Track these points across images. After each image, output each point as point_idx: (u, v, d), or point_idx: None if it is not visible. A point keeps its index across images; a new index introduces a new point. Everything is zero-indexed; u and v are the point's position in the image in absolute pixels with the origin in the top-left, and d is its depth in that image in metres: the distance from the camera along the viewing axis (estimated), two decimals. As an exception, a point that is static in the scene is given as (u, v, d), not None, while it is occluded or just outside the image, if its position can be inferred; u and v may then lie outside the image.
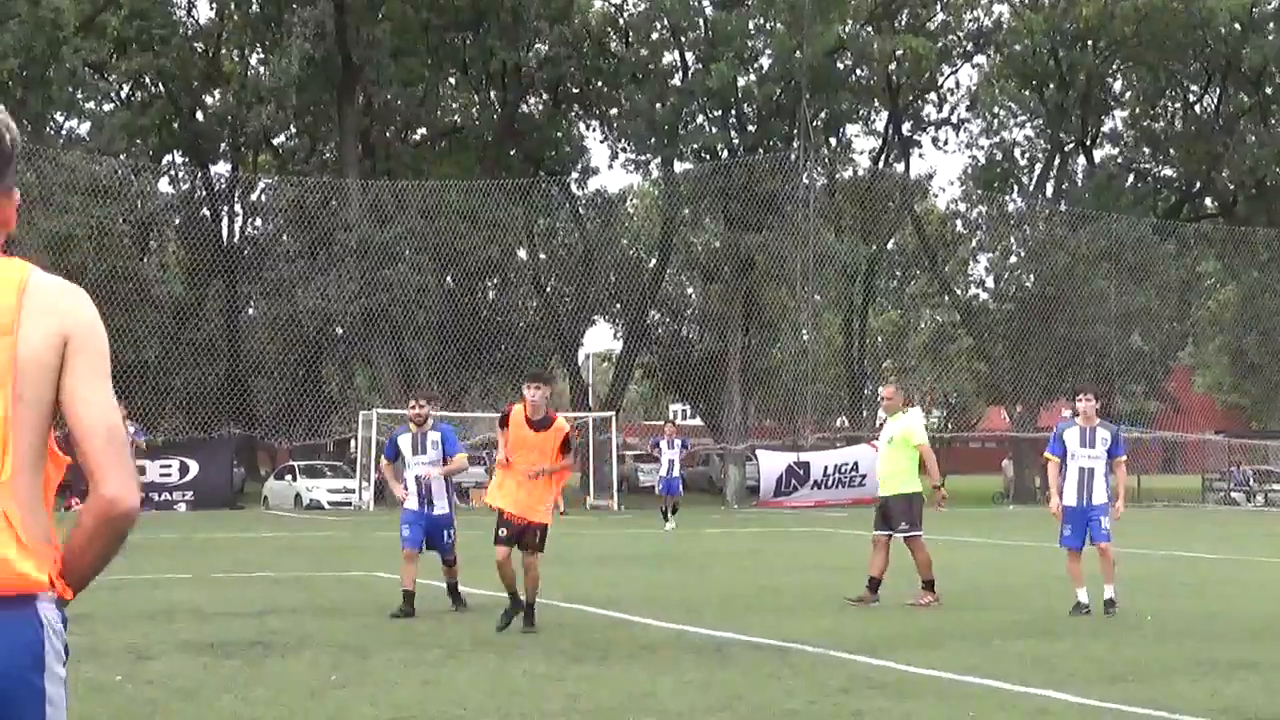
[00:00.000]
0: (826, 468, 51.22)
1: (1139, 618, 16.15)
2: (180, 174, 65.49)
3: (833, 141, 64.60)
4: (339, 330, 57.30)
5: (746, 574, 22.36)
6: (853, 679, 11.76)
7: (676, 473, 38.43)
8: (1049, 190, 68.38)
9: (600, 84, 63.79)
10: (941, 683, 11.68)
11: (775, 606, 17.28)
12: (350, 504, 49.79)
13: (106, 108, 64.20)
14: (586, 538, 32.99)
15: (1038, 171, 69.56)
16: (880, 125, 68.76)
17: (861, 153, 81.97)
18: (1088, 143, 69.45)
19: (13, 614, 3.40)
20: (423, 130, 67.82)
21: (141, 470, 49.04)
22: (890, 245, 72.14)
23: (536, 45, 61.07)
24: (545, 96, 65.93)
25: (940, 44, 63.47)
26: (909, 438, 17.80)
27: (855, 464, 51.18)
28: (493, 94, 65.15)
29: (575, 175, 65.19)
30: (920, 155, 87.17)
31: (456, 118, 68.31)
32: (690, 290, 72.87)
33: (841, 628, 15.14)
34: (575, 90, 64.59)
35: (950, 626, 15.44)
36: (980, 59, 69.30)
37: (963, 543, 30.17)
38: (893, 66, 63.25)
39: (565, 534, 34.61)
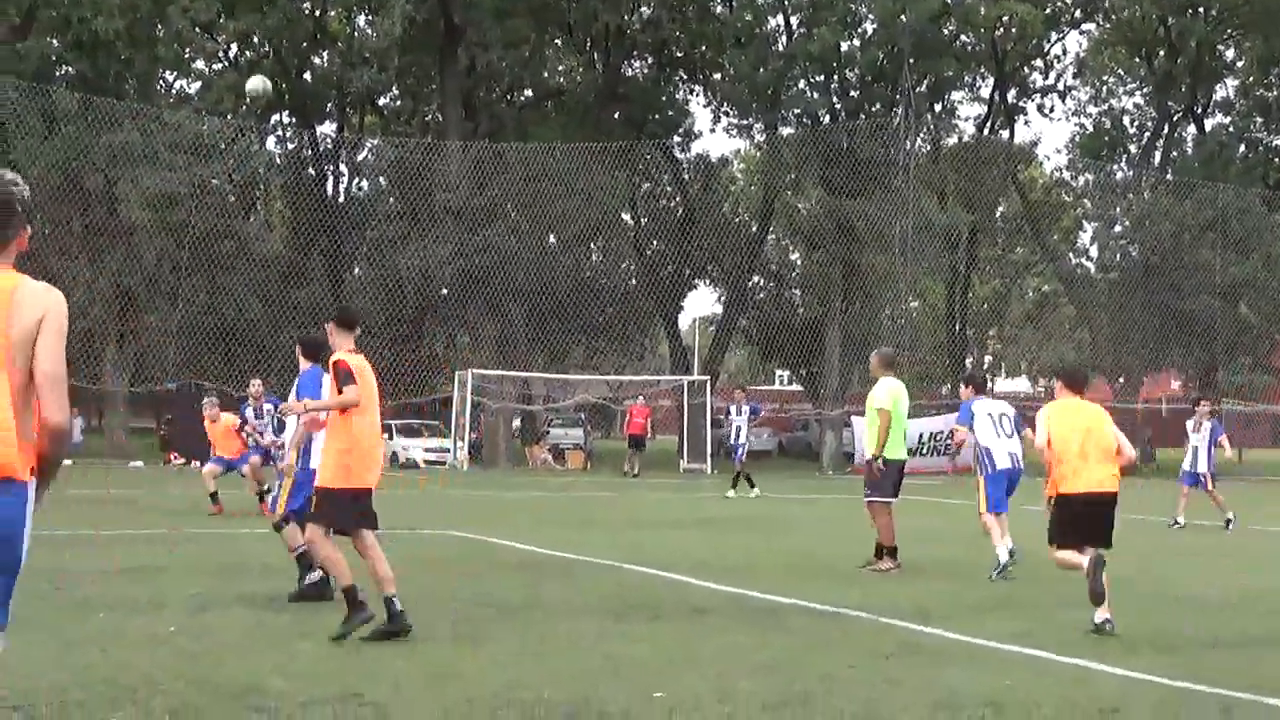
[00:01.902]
0: (922, 435, 50.85)
1: (1203, 591, 16.02)
2: (287, 134, 66.04)
3: (936, 108, 64.00)
4: (444, 291, 57.51)
5: (821, 540, 22.31)
6: (900, 645, 11.72)
7: (743, 439, 36.37)
8: (1156, 159, 67.48)
9: (704, 47, 63.57)
10: (984, 650, 11.62)
11: (841, 573, 17.18)
12: (445, 463, 50.16)
13: (216, 68, 64.82)
14: (671, 502, 33.09)
15: (1145, 140, 68.66)
16: (985, 92, 68.04)
17: (966, 119, 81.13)
18: (1198, 111, 68.42)
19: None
20: (527, 92, 67.96)
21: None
22: (998, 212, 71.58)
23: (640, 8, 60.95)
24: (648, 59, 65.82)
25: (1048, 10, 62.61)
26: (871, 402, 18.19)
27: (951, 432, 50.77)
28: (596, 56, 65.16)
29: (677, 139, 65.09)
30: (1026, 122, 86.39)
31: (560, 80, 68.39)
32: (794, 255, 72.65)
33: (900, 594, 15.06)
34: (678, 54, 64.41)
35: (1007, 595, 15.35)
36: (1088, 26, 68.55)
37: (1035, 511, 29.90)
38: (999, 32, 62.50)
39: (650, 499, 34.79)
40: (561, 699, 9.14)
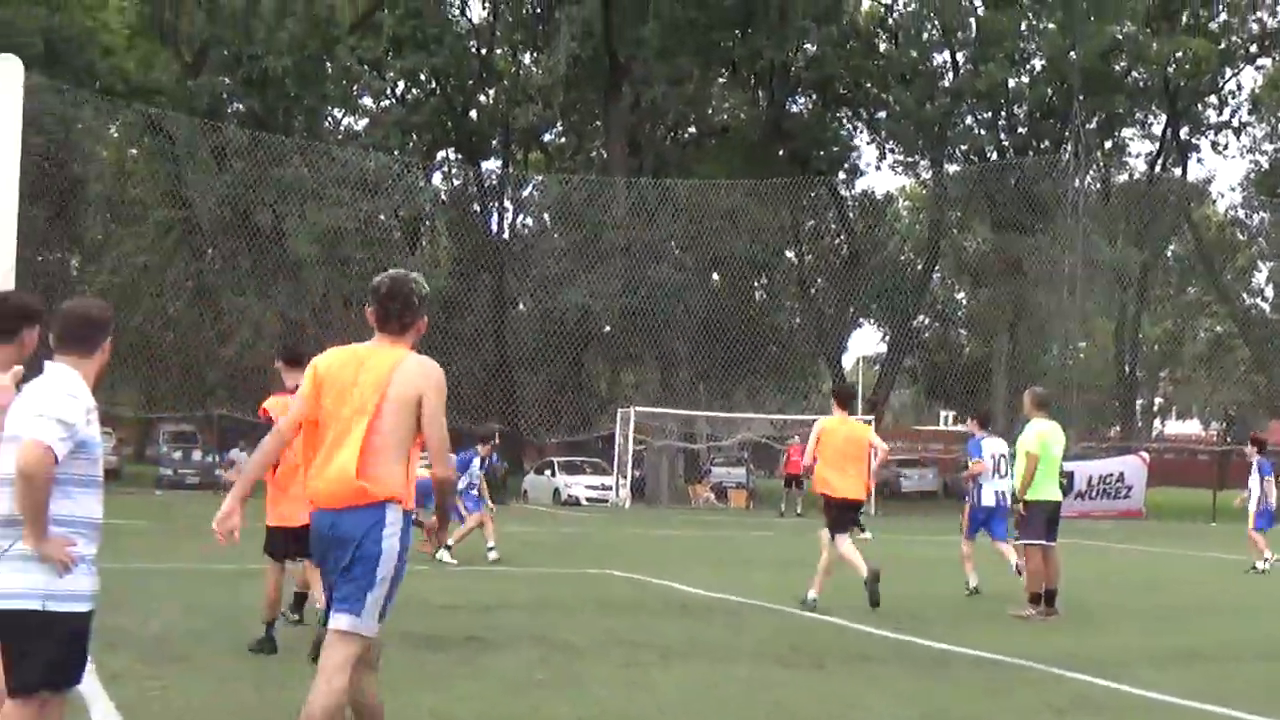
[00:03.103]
0: (1091, 478, 49.95)
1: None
2: (452, 170, 66.56)
3: (1106, 145, 63.00)
4: (607, 328, 57.51)
5: (986, 585, 21.77)
6: (1074, 699, 11.24)
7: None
8: (1336, 197, 65.85)
9: (869, 84, 63.12)
10: (1163, 707, 11.11)
11: (1009, 620, 16.72)
12: (607, 500, 50.02)
13: (384, 104, 65.56)
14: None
15: (1324, 178, 67.05)
16: (1156, 129, 66.84)
17: (1137, 156, 79.80)
18: (1379, 148, 66.81)
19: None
20: (691, 129, 67.95)
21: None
22: (1170, 251, 70.33)
23: (804, 45, 60.66)
24: (813, 96, 65.52)
25: (1222, 45, 61.42)
26: (1020, 445, 17.79)
27: (1121, 474, 49.89)
28: (760, 93, 64.97)
29: (842, 176, 64.69)
30: (1199, 160, 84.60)
31: (724, 116, 68.31)
32: (960, 294, 71.88)
33: (1078, 644, 14.56)
34: (843, 90, 64.01)
35: (1189, 647, 14.77)
36: (1264, 61, 67.06)
37: (1228, 560, 29.14)
38: (1171, 68, 61.38)
39: (811, 539, 34.34)
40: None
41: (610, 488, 50.99)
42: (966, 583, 19.52)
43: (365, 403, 7.20)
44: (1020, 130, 60.43)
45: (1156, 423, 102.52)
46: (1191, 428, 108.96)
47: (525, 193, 66.24)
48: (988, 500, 19.61)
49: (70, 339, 6.65)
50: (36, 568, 6.22)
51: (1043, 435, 17.61)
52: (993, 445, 19.90)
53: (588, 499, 50.34)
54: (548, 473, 53.48)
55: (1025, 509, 17.63)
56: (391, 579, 7.23)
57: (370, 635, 7.26)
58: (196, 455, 52.36)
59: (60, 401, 6.30)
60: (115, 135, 59.68)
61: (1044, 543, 17.46)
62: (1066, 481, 48.67)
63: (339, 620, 7.18)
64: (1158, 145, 67.41)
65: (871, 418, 55.11)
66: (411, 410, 7.22)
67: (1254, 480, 26.73)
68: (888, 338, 67.76)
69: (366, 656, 7.40)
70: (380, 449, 7.16)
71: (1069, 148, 55.86)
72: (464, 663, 12.07)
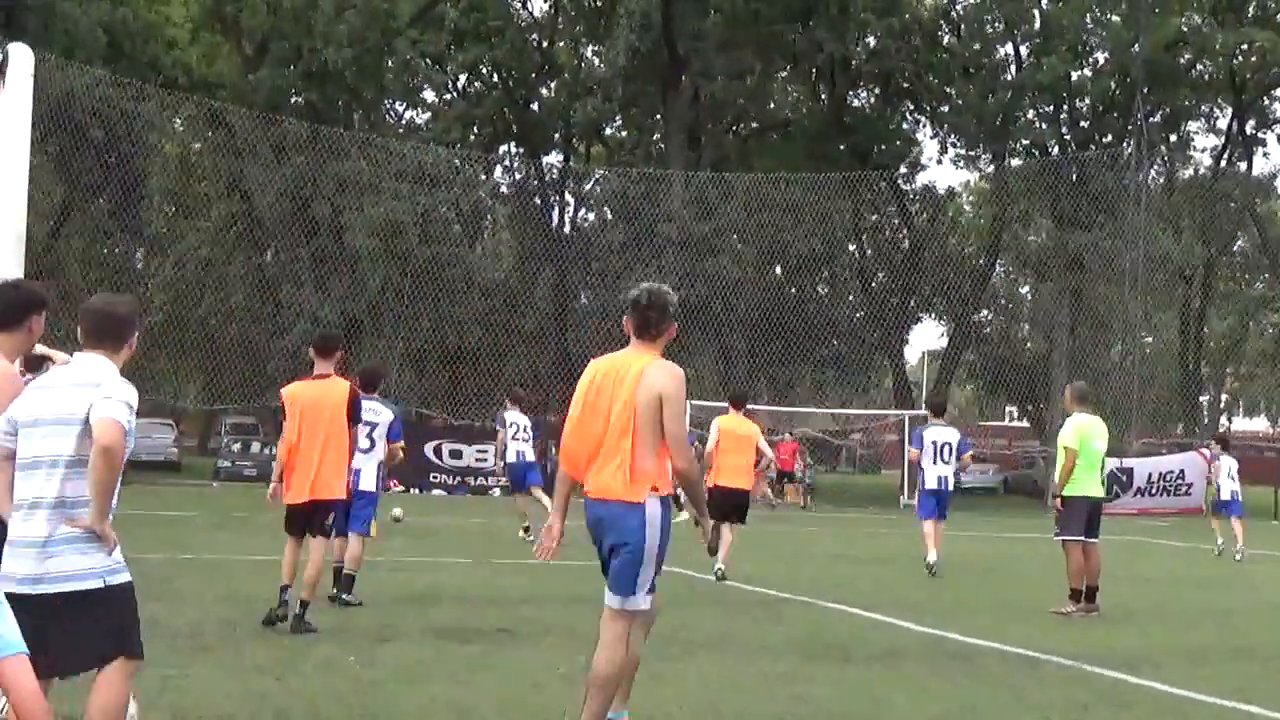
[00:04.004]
0: (1151, 475, 49.65)
1: None
2: (515, 163, 66.58)
3: (1171, 138, 62.41)
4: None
5: (1036, 582, 21.63)
6: (1102, 696, 11.16)
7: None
8: (1404, 192, 65.09)
9: (931, 77, 62.73)
10: (1196, 706, 10.98)
11: (1046, 616, 16.60)
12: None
13: (446, 98, 65.65)
14: (886, 537, 32.55)
15: (1392, 172, 66.25)
16: (1222, 123, 66.10)
17: (1202, 150, 79.04)
18: None
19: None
20: (752, 123, 67.76)
21: (457, 454, 50.25)
22: (1237, 247, 69.70)
23: (866, 38, 60.36)
24: (874, 89, 65.23)
25: (1290, 37, 60.62)
26: (1059, 440, 17.84)
27: (1182, 472, 49.53)
28: (821, 87, 64.73)
29: (904, 170, 64.36)
30: (1265, 154, 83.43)
31: (786, 110, 68.11)
32: (1024, 289, 71.44)
33: (1111, 640, 14.47)
34: (905, 84, 63.64)
35: (1231, 646, 14.61)
36: (1334, 53, 66.21)
37: (1268, 556, 28.95)
38: (1237, 60, 60.71)
39: (863, 533, 34.27)
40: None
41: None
42: (924, 559, 21.33)
43: (625, 404, 8.25)
44: (1083, 124, 59.92)
45: (1223, 420, 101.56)
46: (1259, 425, 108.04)
47: (587, 187, 66.16)
48: (930, 484, 21.82)
49: (100, 334, 6.90)
50: (93, 548, 6.50)
51: (1081, 430, 17.46)
52: (935, 433, 21.96)
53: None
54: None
55: (1063, 504, 17.48)
56: (656, 558, 8.34)
57: (644, 608, 8.40)
58: (255, 447, 52.65)
59: (126, 387, 6.65)
60: (180, 129, 60.01)
61: (1083, 539, 17.28)
62: (1126, 478, 48.62)
63: (612, 600, 8.35)
64: (1223, 139, 66.70)
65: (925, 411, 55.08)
66: (656, 409, 8.22)
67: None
68: (949, 332, 67.34)
69: (648, 615, 8.57)
70: (638, 445, 8.21)
71: (1131, 142, 55.43)
72: (489, 655, 12.08)
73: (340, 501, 13.76)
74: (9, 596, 5.77)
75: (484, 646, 12.58)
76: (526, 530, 24.11)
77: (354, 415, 13.67)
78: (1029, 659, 13.02)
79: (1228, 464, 29.80)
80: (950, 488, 22.03)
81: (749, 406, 21.19)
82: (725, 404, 20.80)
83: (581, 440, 8.45)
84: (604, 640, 8.34)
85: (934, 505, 21.73)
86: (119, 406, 6.50)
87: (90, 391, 6.56)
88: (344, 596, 15.13)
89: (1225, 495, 29.69)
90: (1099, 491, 17.73)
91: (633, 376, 8.32)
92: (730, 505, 19.10)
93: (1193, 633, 15.65)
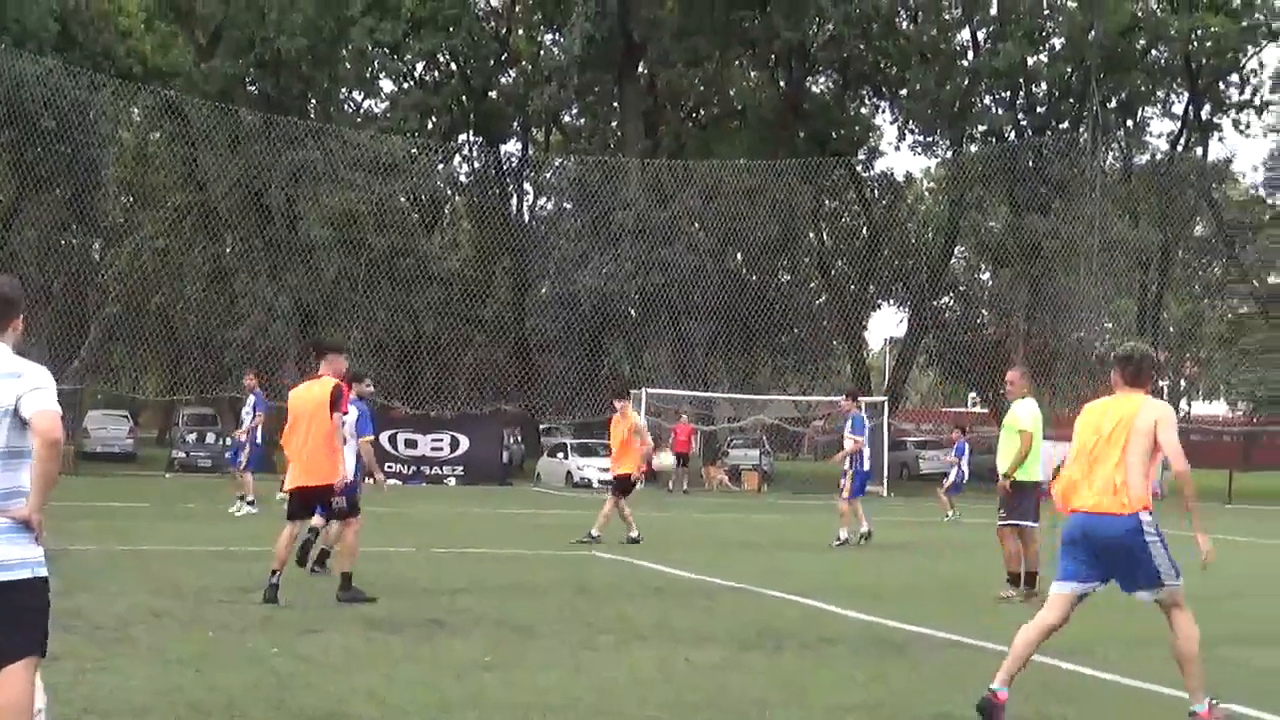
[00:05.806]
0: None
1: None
2: (473, 152, 66.39)
3: (1127, 124, 62.50)
4: (632, 312, 57.23)
5: (985, 568, 21.56)
6: (1041, 684, 11.00)
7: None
8: (1359, 175, 65.17)
9: (888, 63, 62.74)
10: (1137, 693, 10.95)
11: (986, 603, 16.51)
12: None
13: (404, 86, 65.40)
14: (834, 525, 32.47)
15: (1347, 155, 66.29)
16: (1177, 108, 66.17)
17: (1159, 135, 79.03)
18: (1403, 126, 65.99)
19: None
20: (712, 109, 67.70)
21: (412, 444, 50.10)
22: (1197, 232, 69.84)
23: (823, 24, 60.30)
24: (832, 76, 65.24)
25: (1244, 22, 60.70)
26: (1014, 424, 17.33)
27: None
28: (778, 73, 64.69)
29: (862, 156, 64.38)
30: (1220, 139, 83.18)
31: (744, 98, 68.04)
32: (985, 274, 71.51)
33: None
34: (863, 70, 63.62)
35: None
36: (1286, 38, 66.30)
37: (1239, 543, 28.95)
38: (1192, 46, 60.77)
39: (819, 521, 34.15)
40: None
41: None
42: (838, 535, 24.43)
43: (1117, 436, 9.51)
44: (1039, 110, 60.03)
45: (1183, 404, 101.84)
46: (1218, 409, 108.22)
47: (545, 176, 66.00)
48: (868, 466, 25.51)
49: None
50: (24, 537, 6.35)
51: (1035, 415, 17.37)
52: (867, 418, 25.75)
53: (600, 481, 49.99)
54: (560, 455, 53.35)
55: (1014, 489, 17.31)
56: (1164, 553, 9.70)
57: (1178, 585, 9.78)
58: (210, 438, 52.45)
59: (46, 373, 6.49)
60: (137, 119, 59.67)
61: (1031, 524, 17.18)
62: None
63: (1141, 596, 9.98)
64: (1179, 124, 66.78)
65: (884, 398, 55.04)
66: (1149, 436, 9.46)
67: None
68: (908, 319, 67.38)
69: (1177, 598, 9.82)
70: (1130, 468, 9.46)
71: (1087, 127, 55.47)
72: (417, 645, 11.96)
73: (330, 485, 14.83)
74: None
75: (412, 636, 12.47)
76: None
77: (334, 405, 14.75)
78: (963, 645, 12.97)
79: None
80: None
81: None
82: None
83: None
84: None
85: (861, 486, 25.44)
86: (51, 396, 6.37)
87: (13, 383, 6.38)
88: (315, 569, 17.24)
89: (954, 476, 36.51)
90: (1042, 476, 17.61)
91: (1130, 413, 9.65)
92: (626, 484, 24.12)
93: (1130, 619, 15.56)
